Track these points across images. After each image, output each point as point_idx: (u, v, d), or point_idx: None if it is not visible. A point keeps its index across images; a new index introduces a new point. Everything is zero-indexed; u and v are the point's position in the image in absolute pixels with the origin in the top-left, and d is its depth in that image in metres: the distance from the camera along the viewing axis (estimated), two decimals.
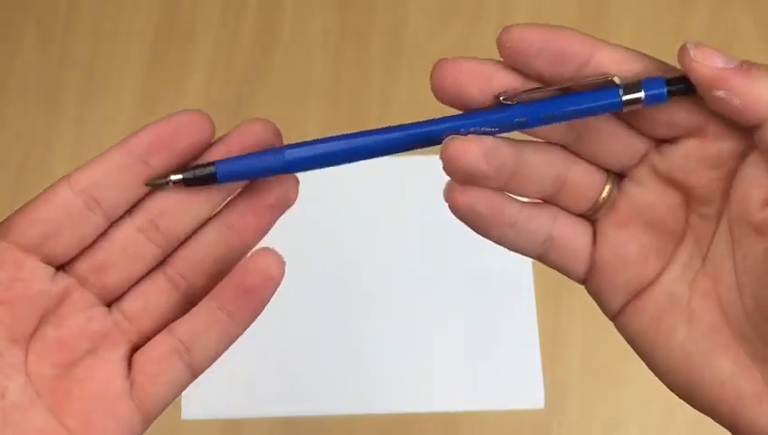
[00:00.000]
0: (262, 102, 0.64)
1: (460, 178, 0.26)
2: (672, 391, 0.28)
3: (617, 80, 0.25)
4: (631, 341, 0.28)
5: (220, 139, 0.28)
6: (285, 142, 0.28)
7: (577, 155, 0.28)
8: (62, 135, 0.64)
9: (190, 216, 0.28)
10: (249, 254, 0.27)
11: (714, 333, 0.27)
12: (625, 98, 0.25)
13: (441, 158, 0.26)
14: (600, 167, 0.28)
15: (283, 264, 0.27)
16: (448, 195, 0.27)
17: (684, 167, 0.26)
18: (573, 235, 0.28)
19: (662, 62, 0.26)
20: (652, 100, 0.25)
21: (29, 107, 0.64)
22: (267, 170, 0.27)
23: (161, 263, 0.28)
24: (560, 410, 0.57)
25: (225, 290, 0.27)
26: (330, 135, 0.27)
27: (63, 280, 0.27)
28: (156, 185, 0.27)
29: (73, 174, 0.27)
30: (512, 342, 0.58)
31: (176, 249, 0.28)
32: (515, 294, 0.59)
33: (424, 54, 0.65)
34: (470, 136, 0.26)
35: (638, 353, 0.28)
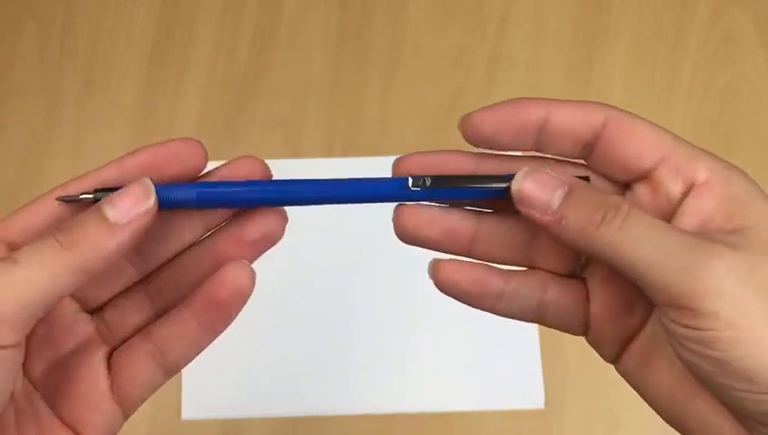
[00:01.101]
0: (262, 102, 0.64)
1: (408, 241, 0.28)
2: (672, 427, 0.28)
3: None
4: (631, 384, 0.29)
5: (209, 172, 0.28)
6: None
7: None
8: (62, 135, 0.64)
9: (173, 242, 0.29)
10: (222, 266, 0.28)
11: (689, 375, 0.26)
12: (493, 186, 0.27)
13: (393, 222, 0.28)
14: None
15: (253, 277, 0.27)
16: (432, 274, 0.29)
17: None
18: (566, 296, 0.29)
19: (616, 109, 0.27)
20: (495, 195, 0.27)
21: (29, 107, 0.65)
22: (199, 202, 0.27)
23: (142, 280, 0.29)
24: (560, 410, 0.57)
25: (197, 301, 0.28)
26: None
27: None
28: (66, 201, 0.27)
29: (65, 184, 0.27)
30: (512, 342, 0.58)
31: (158, 268, 0.29)
32: None
33: (424, 54, 0.65)
34: (419, 204, 0.28)
35: (639, 395, 0.29)
